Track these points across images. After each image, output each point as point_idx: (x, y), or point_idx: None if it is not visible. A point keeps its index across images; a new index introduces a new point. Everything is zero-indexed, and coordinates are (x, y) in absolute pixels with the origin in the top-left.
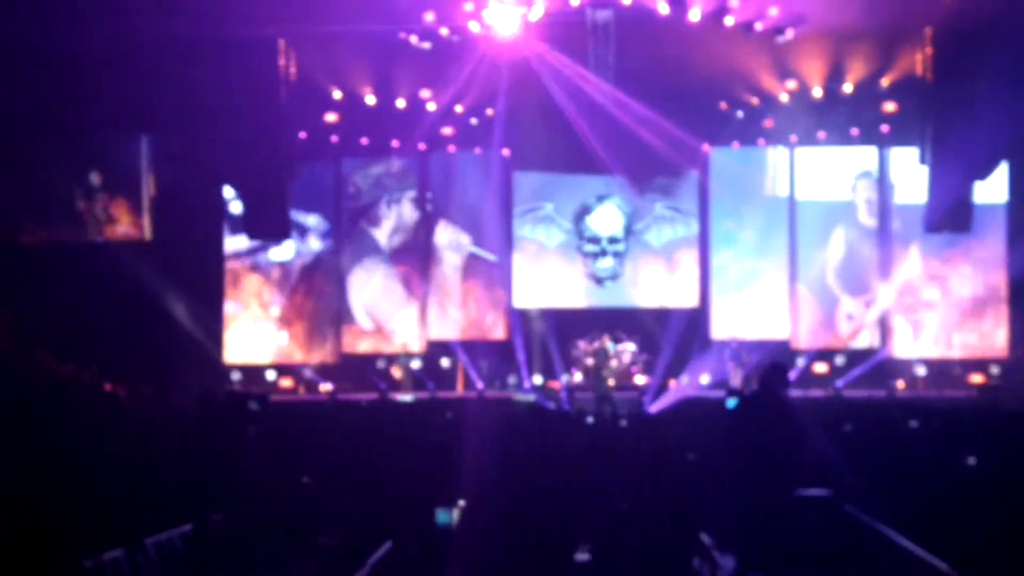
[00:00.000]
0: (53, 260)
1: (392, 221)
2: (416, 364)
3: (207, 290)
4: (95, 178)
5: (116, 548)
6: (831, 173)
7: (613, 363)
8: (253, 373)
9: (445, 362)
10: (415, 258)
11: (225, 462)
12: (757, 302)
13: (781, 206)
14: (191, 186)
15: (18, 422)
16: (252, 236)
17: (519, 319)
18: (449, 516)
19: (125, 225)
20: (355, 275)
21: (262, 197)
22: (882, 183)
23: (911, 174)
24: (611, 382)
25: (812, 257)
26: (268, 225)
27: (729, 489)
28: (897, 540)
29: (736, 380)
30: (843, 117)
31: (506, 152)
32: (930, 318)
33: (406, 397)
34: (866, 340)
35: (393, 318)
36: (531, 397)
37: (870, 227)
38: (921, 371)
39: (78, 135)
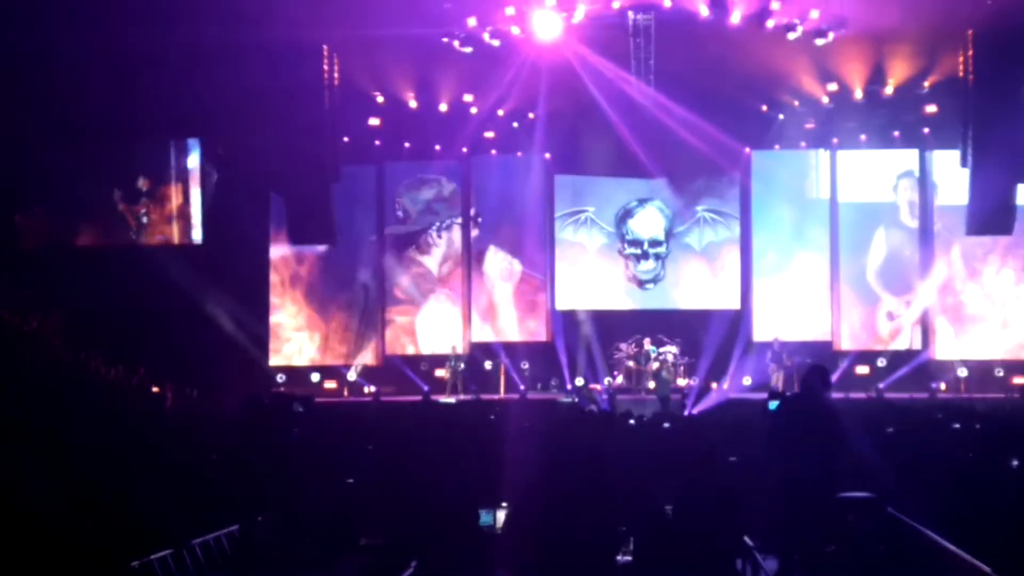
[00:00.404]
0: (103, 263)
1: (442, 249)
2: (462, 366)
3: (253, 294)
4: (144, 183)
5: (163, 549)
6: (873, 174)
7: (654, 365)
8: (298, 375)
9: (487, 364)
10: (463, 270)
11: (271, 464)
12: (798, 303)
13: (822, 208)
14: (238, 191)
15: (67, 423)
16: (296, 240)
17: (566, 321)
18: (493, 517)
19: (173, 229)
20: (422, 313)
21: (306, 201)
22: (924, 185)
23: (953, 175)
24: (652, 384)
25: (853, 258)
26: (312, 229)
27: (771, 491)
28: (939, 542)
29: (777, 382)
30: (884, 119)
31: (548, 156)
32: (972, 319)
33: (449, 399)
34: (906, 340)
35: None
36: (574, 399)
37: (912, 228)
38: (963, 373)
39: (127, 141)
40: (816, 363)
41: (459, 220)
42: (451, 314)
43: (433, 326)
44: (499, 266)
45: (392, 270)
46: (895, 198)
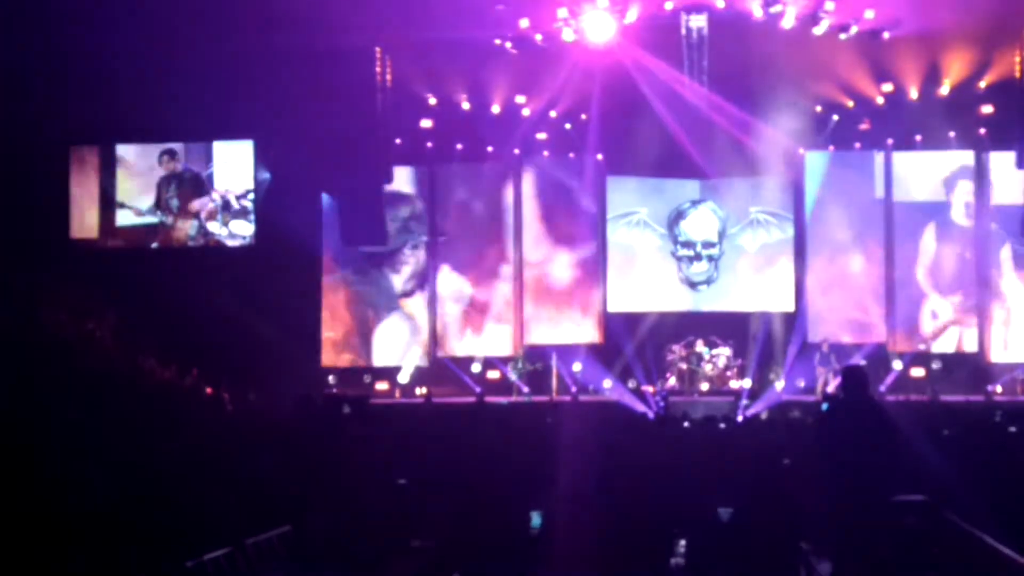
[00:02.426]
0: (157, 264)
1: (411, 267)
2: (524, 368)
3: (306, 294)
4: (199, 184)
5: (217, 549)
6: (927, 174)
7: (707, 367)
8: (349, 376)
9: (537, 365)
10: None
11: (322, 465)
12: (853, 304)
13: (877, 209)
14: (291, 192)
15: (121, 424)
16: (348, 241)
17: (618, 323)
18: (544, 520)
19: (227, 230)
20: (380, 329)
21: (359, 203)
22: (980, 185)
23: (1009, 176)
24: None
25: (901, 256)
26: (365, 230)
27: (824, 493)
28: (996, 546)
29: (826, 385)
30: (940, 120)
31: (600, 157)
32: None
33: (501, 400)
34: (951, 341)
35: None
36: (621, 400)
37: (963, 227)
38: (1022, 375)
39: (181, 142)
40: (851, 365)
41: (424, 238)
42: (405, 330)
43: (388, 341)
44: (451, 287)
45: (373, 319)
46: (948, 197)
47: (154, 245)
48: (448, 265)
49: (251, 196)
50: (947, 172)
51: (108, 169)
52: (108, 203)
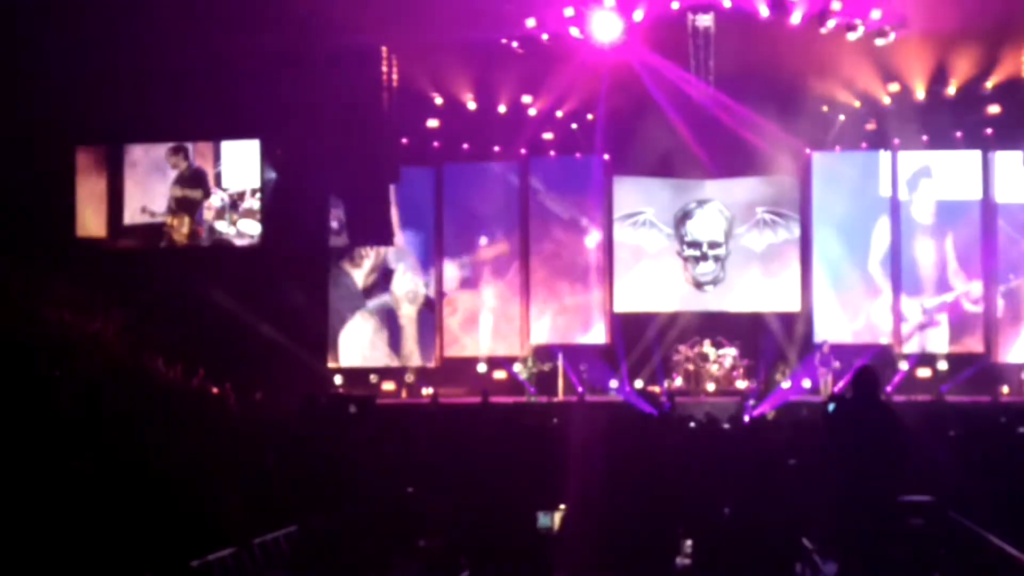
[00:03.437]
0: (163, 263)
1: (372, 260)
2: (535, 368)
3: (313, 294)
4: (205, 183)
5: (223, 549)
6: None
7: (714, 368)
8: (356, 376)
9: (548, 366)
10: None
11: (328, 464)
12: (857, 304)
13: (883, 208)
14: (298, 192)
15: (127, 424)
16: (355, 241)
17: (625, 324)
18: (550, 520)
19: (235, 229)
20: (344, 331)
21: (365, 202)
22: (987, 184)
23: (1016, 175)
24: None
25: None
26: (371, 230)
27: (830, 493)
28: (1002, 547)
29: (826, 385)
30: (946, 120)
31: (607, 157)
32: None
33: (508, 401)
34: (915, 343)
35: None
36: (628, 400)
37: (925, 225)
38: None
39: (191, 142)
40: (866, 364)
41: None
42: (367, 331)
43: (354, 344)
44: (406, 287)
45: (337, 320)
46: (910, 196)
47: (162, 244)
48: (454, 264)
49: (258, 195)
50: (910, 172)
51: (115, 168)
52: (116, 203)
